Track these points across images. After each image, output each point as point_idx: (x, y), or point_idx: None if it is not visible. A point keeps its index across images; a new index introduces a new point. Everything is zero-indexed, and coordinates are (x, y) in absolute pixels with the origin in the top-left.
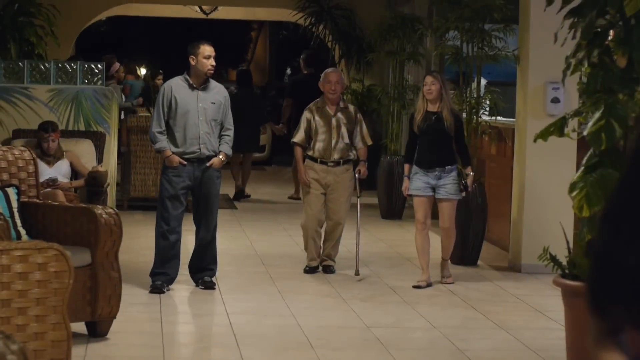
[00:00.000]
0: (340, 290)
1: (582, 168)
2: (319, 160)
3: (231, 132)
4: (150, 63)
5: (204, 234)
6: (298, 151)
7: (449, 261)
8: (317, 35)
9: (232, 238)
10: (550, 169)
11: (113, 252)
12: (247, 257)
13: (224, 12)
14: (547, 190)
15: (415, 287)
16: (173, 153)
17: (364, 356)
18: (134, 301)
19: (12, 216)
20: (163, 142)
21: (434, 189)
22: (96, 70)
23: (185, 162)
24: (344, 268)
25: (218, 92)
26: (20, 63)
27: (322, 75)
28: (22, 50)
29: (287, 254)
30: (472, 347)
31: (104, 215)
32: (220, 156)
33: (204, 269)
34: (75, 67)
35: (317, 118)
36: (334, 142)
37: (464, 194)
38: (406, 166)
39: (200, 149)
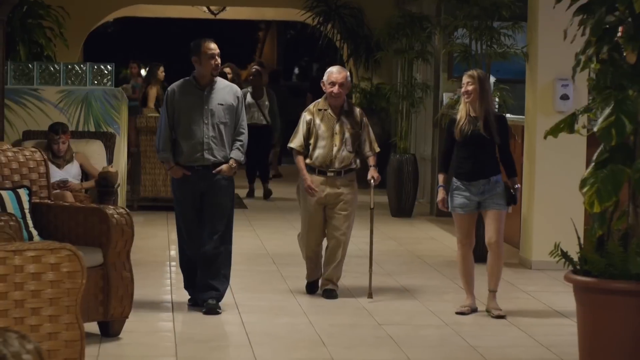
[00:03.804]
0: (351, 289)
1: (593, 164)
2: (317, 170)
3: (244, 137)
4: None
5: (207, 247)
6: (299, 160)
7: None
8: (325, 35)
9: (242, 237)
10: (560, 166)
11: (125, 252)
12: (258, 256)
13: (232, 13)
14: (557, 186)
15: (458, 313)
16: (177, 162)
17: (375, 354)
18: (146, 301)
19: (23, 217)
20: (167, 152)
21: (478, 203)
22: (105, 72)
23: (189, 173)
24: (354, 266)
25: (228, 93)
26: (29, 65)
27: (325, 74)
28: (31, 52)
29: (297, 252)
30: (484, 344)
31: (115, 216)
32: (230, 162)
33: (208, 287)
34: (84, 68)
35: (317, 121)
36: (335, 149)
37: (510, 208)
38: (440, 176)
39: (203, 155)
